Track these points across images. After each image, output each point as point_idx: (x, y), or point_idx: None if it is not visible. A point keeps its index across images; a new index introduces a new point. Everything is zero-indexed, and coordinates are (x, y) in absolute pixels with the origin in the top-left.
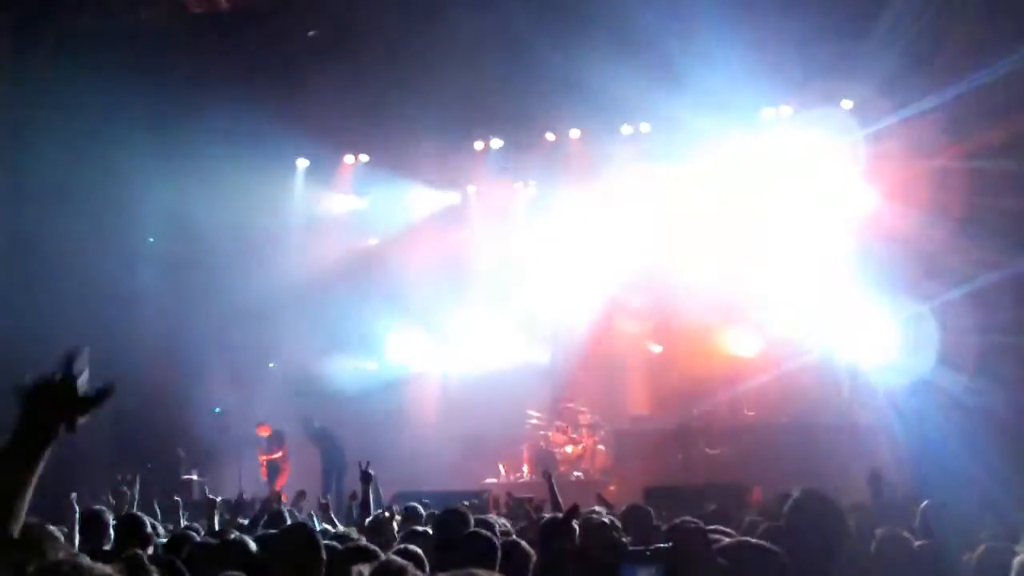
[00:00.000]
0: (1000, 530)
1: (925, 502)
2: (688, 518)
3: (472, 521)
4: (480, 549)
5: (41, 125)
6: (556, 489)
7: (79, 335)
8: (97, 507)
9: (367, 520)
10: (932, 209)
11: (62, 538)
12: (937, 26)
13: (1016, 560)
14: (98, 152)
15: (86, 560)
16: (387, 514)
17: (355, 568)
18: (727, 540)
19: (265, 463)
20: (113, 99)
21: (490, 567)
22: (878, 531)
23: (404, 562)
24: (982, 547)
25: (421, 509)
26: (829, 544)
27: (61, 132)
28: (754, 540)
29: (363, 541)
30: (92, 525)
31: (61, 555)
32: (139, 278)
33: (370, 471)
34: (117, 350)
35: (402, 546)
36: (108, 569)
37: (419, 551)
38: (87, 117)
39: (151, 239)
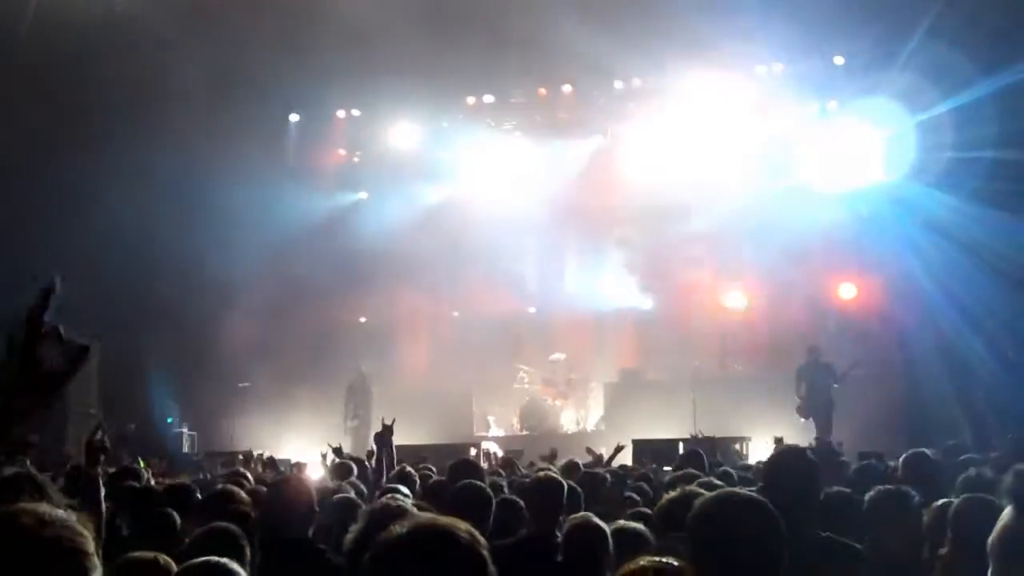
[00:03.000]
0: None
1: (905, 454)
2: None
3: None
4: (472, 500)
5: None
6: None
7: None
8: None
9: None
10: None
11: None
12: None
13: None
14: (89, 113)
15: (50, 509)
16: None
17: (360, 511)
18: (709, 494)
19: None
20: (106, 59)
21: (483, 518)
22: (875, 488)
23: (404, 502)
24: (961, 498)
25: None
26: (803, 495)
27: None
28: (743, 492)
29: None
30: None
31: (29, 502)
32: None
33: (391, 425)
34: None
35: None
36: (73, 517)
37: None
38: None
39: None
